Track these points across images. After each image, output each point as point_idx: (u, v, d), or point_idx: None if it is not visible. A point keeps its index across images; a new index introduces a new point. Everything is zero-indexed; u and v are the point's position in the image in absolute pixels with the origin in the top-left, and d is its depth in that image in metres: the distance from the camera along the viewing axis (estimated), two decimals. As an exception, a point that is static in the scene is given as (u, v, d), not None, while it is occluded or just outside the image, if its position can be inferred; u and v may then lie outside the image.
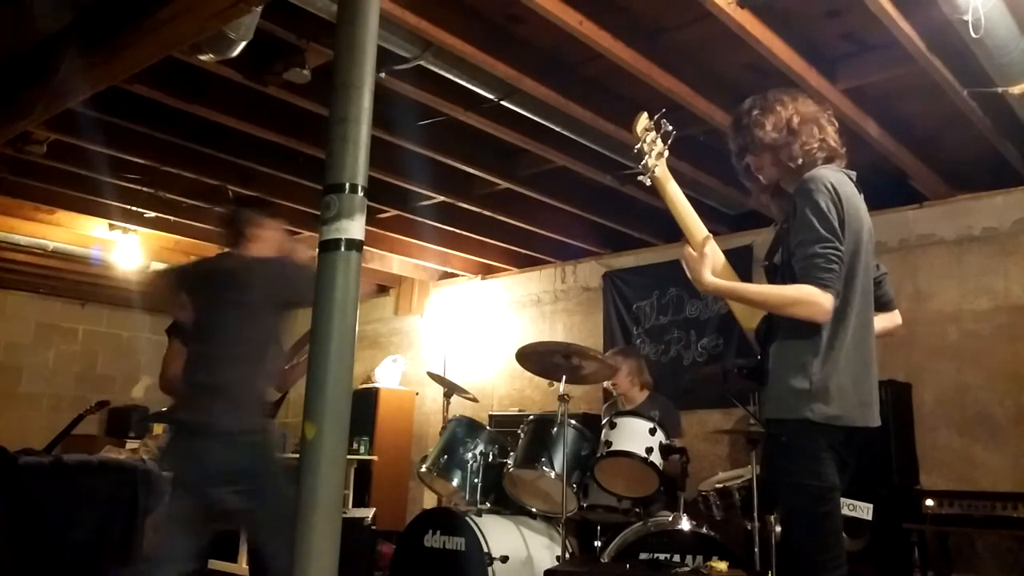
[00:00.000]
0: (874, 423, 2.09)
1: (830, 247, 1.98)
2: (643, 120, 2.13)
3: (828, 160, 2.17)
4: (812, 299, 1.96)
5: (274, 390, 3.34)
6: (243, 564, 5.30)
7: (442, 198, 5.34)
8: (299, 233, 6.21)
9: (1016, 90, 3.35)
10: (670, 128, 2.16)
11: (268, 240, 3.23)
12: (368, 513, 5.08)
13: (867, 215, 2.18)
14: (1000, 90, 3.37)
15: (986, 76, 3.31)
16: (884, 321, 2.30)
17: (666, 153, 2.15)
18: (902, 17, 3.03)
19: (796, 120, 2.17)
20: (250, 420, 2.80)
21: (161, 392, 3.82)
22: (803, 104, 2.21)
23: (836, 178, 2.09)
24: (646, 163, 2.11)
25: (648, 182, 2.14)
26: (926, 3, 2.92)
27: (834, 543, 2.00)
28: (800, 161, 2.16)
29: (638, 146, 2.11)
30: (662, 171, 2.15)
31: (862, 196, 2.20)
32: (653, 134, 2.14)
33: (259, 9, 2.85)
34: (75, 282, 7.69)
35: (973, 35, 2.89)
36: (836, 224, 2.01)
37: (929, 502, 3.95)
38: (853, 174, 2.20)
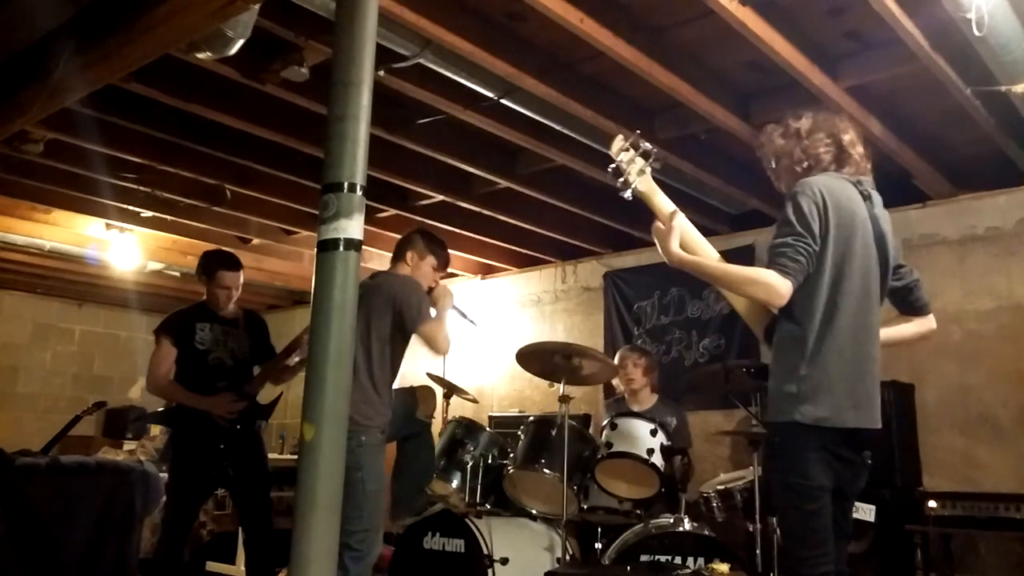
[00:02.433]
0: (872, 425, 2.12)
1: (802, 241, 2.05)
2: (618, 141, 2.24)
3: (838, 164, 2.25)
4: (769, 282, 2.03)
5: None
6: (241, 565, 5.28)
7: (442, 197, 5.32)
8: (297, 232, 6.20)
9: (1020, 88, 3.33)
10: (649, 147, 2.26)
11: (419, 271, 3.42)
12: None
13: (868, 221, 2.21)
14: (1004, 88, 3.35)
15: (989, 74, 3.29)
16: (919, 325, 2.38)
17: (648, 170, 2.26)
18: (905, 15, 3.01)
19: (804, 129, 2.29)
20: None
21: (150, 393, 3.82)
22: (819, 115, 2.32)
23: (829, 184, 2.17)
24: (625, 180, 2.22)
25: (629, 197, 2.25)
26: (929, 1, 2.90)
27: (818, 541, 2.05)
28: (805, 165, 2.26)
29: (613, 166, 2.22)
30: (646, 186, 2.26)
31: (874, 202, 2.26)
32: (631, 153, 2.24)
33: (257, 7, 2.83)
34: (72, 282, 7.67)
35: (976, 33, 2.86)
36: (815, 226, 2.07)
37: (932, 503, 3.94)
38: (867, 180, 2.27)
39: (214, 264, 3.85)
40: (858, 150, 2.28)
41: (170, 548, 3.63)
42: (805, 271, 2.05)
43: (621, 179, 2.22)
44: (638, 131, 2.28)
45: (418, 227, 3.63)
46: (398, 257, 3.48)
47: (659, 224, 2.25)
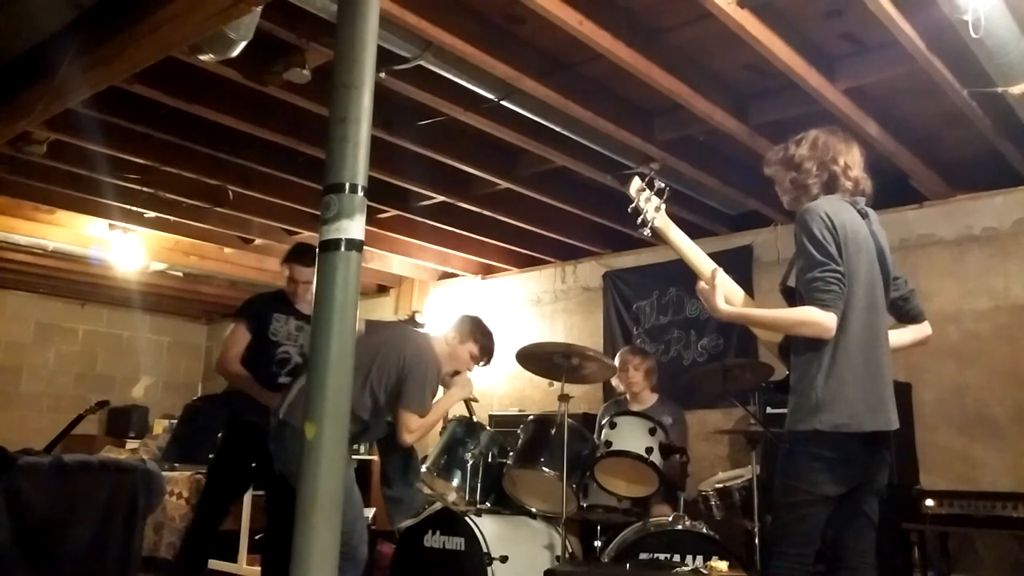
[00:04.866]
0: (887, 426, 2.26)
1: (828, 270, 2.18)
2: (636, 182, 2.40)
3: (839, 189, 2.36)
4: (813, 319, 2.16)
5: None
6: (243, 564, 5.31)
7: (442, 198, 5.34)
8: (299, 233, 6.23)
9: (1016, 90, 3.35)
10: (663, 185, 2.42)
11: (456, 353, 3.47)
12: (368, 513, 5.07)
13: (870, 238, 2.34)
14: (1000, 90, 3.37)
15: (986, 76, 3.31)
16: (914, 332, 2.53)
17: (663, 207, 2.41)
18: (902, 17, 3.03)
19: (797, 157, 2.40)
20: None
21: (216, 372, 3.86)
22: (819, 142, 2.41)
23: (833, 207, 2.29)
24: (644, 218, 2.38)
25: (648, 233, 2.40)
26: (926, 3, 2.92)
27: (805, 542, 2.20)
28: (794, 194, 2.40)
29: (633, 205, 2.37)
30: (662, 221, 2.41)
31: (871, 219, 2.38)
32: (647, 192, 2.39)
33: (259, 9, 2.85)
34: (75, 282, 7.69)
35: (973, 35, 2.88)
36: (832, 249, 2.20)
37: (929, 502, 3.95)
38: (860, 201, 2.38)
39: (288, 255, 3.85)
40: (853, 174, 2.38)
41: (203, 530, 3.73)
42: (841, 296, 2.18)
43: (640, 218, 2.38)
44: (652, 170, 2.45)
45: (475, 317, 3.67)
46: (448, 335, 3.52)
47: (702, 284, 2.38)
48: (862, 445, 2.20)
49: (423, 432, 3.30)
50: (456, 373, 3.52)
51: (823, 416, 2.15)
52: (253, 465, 3.72)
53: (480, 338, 3.52)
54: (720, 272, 2.37)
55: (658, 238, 2.46)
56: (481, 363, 3.55)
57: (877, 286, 2.32)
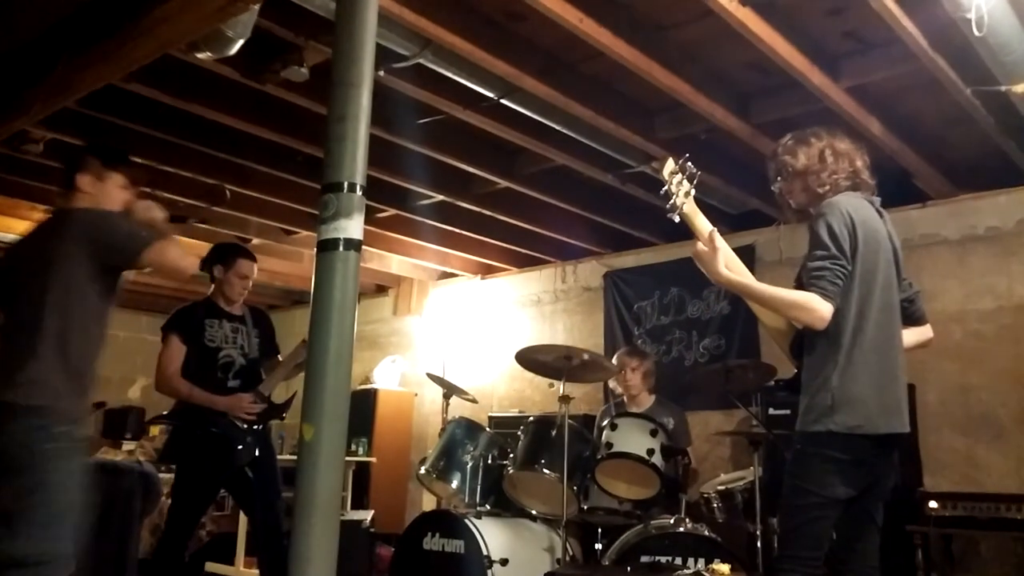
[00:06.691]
0: (901, 429, 2.24)
1: (838, 264, 2.17)
2: (669, 164, 2.35)
3: (853, 189, 2.35)
4: (812, 306, 2.14)
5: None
6: (240, 567, 5.28)
7: (441, 197, 5.32)
8: (297, 232, 6.20)
9: (1019, 88, 3.34)
10: (695, 170, 2.36)
11: (105, 196, 2.66)
12: (367, 515, 5.06)
13: (887, 238, 2.34)
14: (1004, 88, 3.36)
15: (989, 74, 3.29)
16: (917, 335, 2.51)
17: (693, 192, 2.35)
18: (905, 15, 3.01)
19: (828, 151, 2.37)
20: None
21: (161, 392, 3.75)
22: (839, 140, 2.40)
23: (853, 204, 2.28)
24: (674, 202, 2.31)
25: (677, 218, 2.33)
26: (929, 1, 2.90)
27: (814, 545, 2.17)
28: (827, 188, 2.35)
29: (665, 188, 2.31)
30: (690, 207, 2.35)
31: (886, 220, 2.38)
32: (679, 176, 2.34)
33: (257, 7, 2.83)
34: (73, 282, 7.66)
35: (976, 33, 2.87)
36: (847, 246, 2.19)
37: (932, 504, 3.93)
38: (877, 200, 2.39)
39: (231, 253, 3.78)
40: (867, 174, 2.40)
41: (172, 549, 3.57)
42: (841, 292, 2.17)
43: (670, 202, 2.32)
44: (687, 154, 2.37)
45: (86, 144, 2.97)
46: (70, 186, 2.64)
47: (701, 246, 2.32)
48: (874, 447, 2.17)
49: (180, 252, 2.70)
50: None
51: (838, 417, 2.12)
52: (226, 474, 3.57)
53: (118, 163, 2.75)
54: (717, 234, 2.31)
55: (685, 223, 2.40)
56: (126, 182, 2.75)
57: (892, 287, 2.31)
